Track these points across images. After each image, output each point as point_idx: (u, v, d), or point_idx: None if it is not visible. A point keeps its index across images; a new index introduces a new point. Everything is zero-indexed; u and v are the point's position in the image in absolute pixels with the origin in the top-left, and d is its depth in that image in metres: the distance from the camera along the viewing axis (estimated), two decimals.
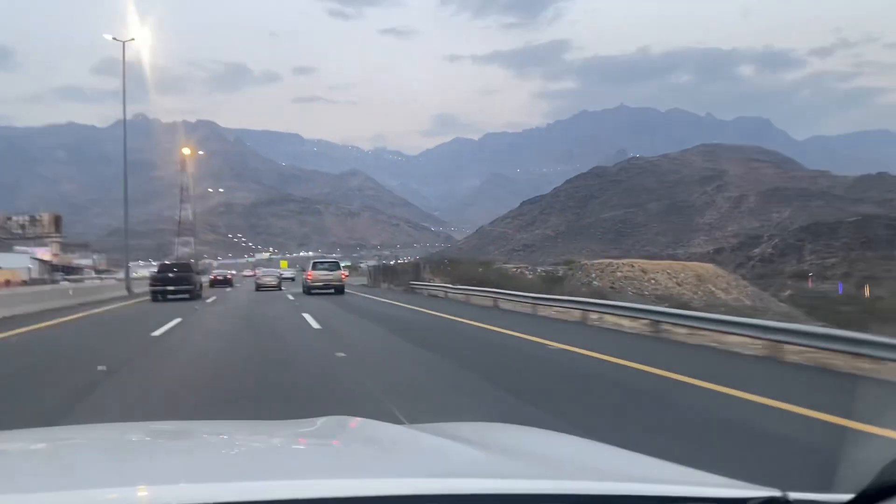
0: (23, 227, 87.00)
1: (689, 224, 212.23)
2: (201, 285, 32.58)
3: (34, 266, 78.93)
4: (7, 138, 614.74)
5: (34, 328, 15.56)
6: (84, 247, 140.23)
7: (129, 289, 33.01)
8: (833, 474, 3.38)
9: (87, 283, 51.23)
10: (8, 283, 54.50)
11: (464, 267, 35.40)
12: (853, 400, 6.50)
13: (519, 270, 35.20)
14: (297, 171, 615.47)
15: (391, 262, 67.90)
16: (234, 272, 65.75)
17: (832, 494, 1.27)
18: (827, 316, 29.94)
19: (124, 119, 30.79)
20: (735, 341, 10.95)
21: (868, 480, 1.26)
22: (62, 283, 51.54)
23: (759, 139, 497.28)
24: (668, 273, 38.17)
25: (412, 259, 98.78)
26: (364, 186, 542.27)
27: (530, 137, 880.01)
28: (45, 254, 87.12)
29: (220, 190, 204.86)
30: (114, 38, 32.11)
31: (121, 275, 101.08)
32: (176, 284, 27.73)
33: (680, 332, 12.58)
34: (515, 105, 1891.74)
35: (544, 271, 36.80)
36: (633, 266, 37.54)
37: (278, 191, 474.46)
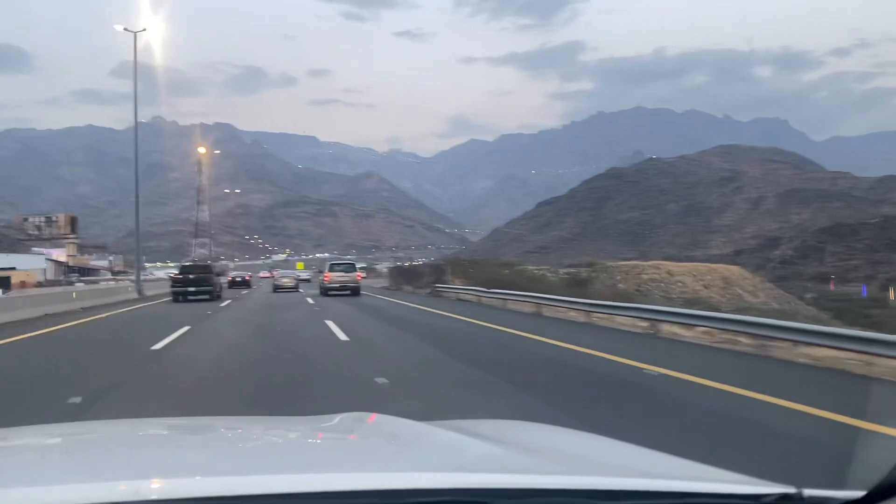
0: (39, 228, 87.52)
1: (707, 226, 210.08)
2: (221, 286, 32.94)
3: (49, 267, 79.27)
4: (26, 141, 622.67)
5: (15, 339, 13.54)
6: (102, 248, 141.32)
7: (140, 291, 31.87)
8: None
9: (101, 284, 50.76)
10: (23, 284, 54.44)
11: (487, 269, 33.64)
12: None
13: (541, 272, 34.53)
14: (313, 173, 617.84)
15: (412, 264, 65.42)
16: (250, 274, 65.55)
17: (845, 491, 1.26)
18: (856, 319, 29.09)
19: (135, 112, 30.21)
20: (827, 355, 9.46)
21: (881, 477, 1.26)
22: (76, 284, 51.62)
23: (777, 140, 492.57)
24: (694, 275, 37.14)
25: (433, 260, 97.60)
26: (379, 188, 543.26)
27: (545, 139, 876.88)
28: (60, 255, 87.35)
29: (237, 190, 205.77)
30: (125, 29, 31.33)
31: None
32: (196, 286, 28.30)
33: (751, 344, 10.94)
34: (530, 106, 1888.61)
35: (566, 273, 36.10)
36: (658, 268, 36.62)
37: (294, 193, 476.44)
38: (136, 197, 32.14)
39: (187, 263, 39.65)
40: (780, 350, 10.25)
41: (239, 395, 7.72)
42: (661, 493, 1.31)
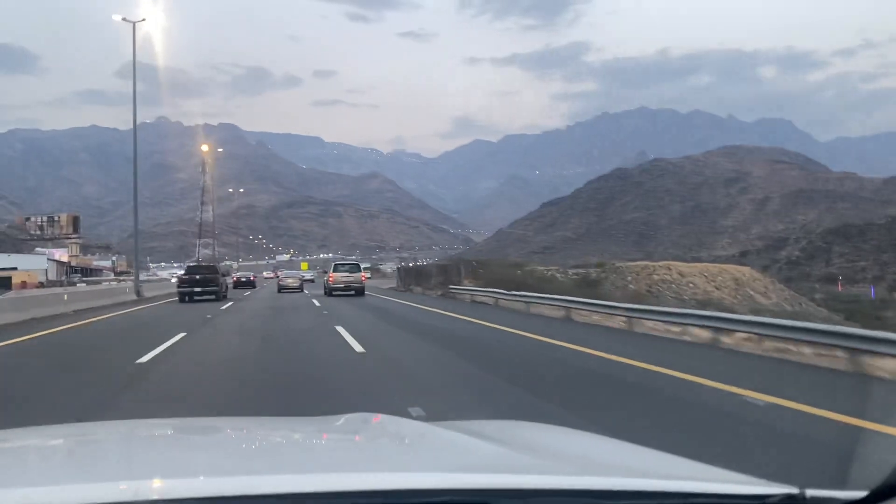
0: (41, 227, 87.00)
1: (713, 226, 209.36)
2: (226, 287, 33.09)
3: (51, 267, 78.74)
4: (31, 141, 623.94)
5: None
6: (106, 248, 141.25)
7: (138, 292, 30.62)
8: None
9: (103, 285, 50.00)
10: (24, 284, 53.69)
11: (497, 269, 32.31)
12: None
13: (550, 273, 34.05)
14: (318, 173, 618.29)
15: (421, 264, 63.95)
16: (255, 275, 65.53)
17: (847, 491, 1.26)
18: (869, 322, 28.59)
19: (134, 105, 28.92)
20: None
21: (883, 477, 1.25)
22: (78, 284, 51.22)
23: (782, 141, 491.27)
24: (705, 276, 36.44)
25: (439, 260, 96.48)
26: (383, 188, 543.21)
27: (549, 139, 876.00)
28: (62, 255, 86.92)
29: (241, 190, 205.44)
30: (123, 19, 30.42)
31: (141, 276, 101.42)
32: (202, 286, 28.72)
33: (808, 353, 9.81)
34: (535, 107, 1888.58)
35: (575, 274, 35.57)
36: (669, 269, 35.90)
37: (299, 193, 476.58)
38: (135, 196, 30.86)
39: (193, 264, 40.17)
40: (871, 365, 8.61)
41: None
42: (665, 493, 1.32)
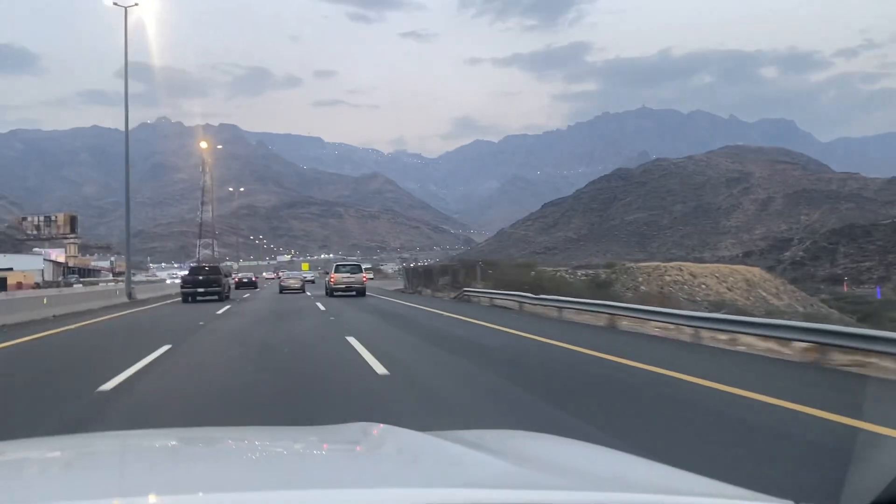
0: (38, 227, 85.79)
1: (716, 227, 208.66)
2: (229, 287, 33.46)
3: (47, 268, 77.68)
4: (32, 141, 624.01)
5: None
6: (106, 248, 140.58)
7: (130, 294, 29.14)
8: None
9: (100, 286, 48.58)
10: (20, 285, 52.85)
11: (508, 269, 31.06)
12: None
13: (558, 274, 33.31)
14: (319, 174, 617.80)
15: (429, 264, 62.25)
16: (256, 276, 65.35)
17: None
18: (883, 323, 27.81)
19: (125, 93, 27.91)
20: None
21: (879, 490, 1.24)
22: (75, 285, 50.47)
23: (784, 141, 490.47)
24: (716, 277, 35.83)
25: (449, 260, 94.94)
26: (384, 189, 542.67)
27: (550, 140, 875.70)
28: (59, 255, 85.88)
29: (241, 189, 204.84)
30: (114, 4, 29.26)
31: (139, 277, 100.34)
32: (206, 286, 28.91)
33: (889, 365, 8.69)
34: (536, 107, 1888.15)
35: (584, 275, 34.79)
36: (681, 269, 35.19)
37: (300, 193, 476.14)
38: (126, 193, 29.40)
39: (196, 265, 40.85)
40: None
41: None
42: None
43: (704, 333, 12.27)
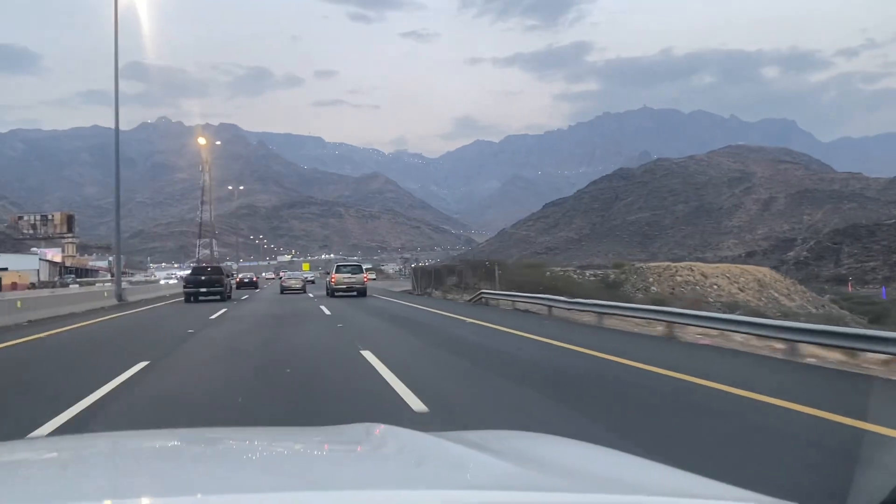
0: (34, 226, 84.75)
1: (718, 226, 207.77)
2: (231, 287, 33.47)
3: (43, 268, 76.51)
4: (33, 141, 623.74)
5: None
6: (106, 248, 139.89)
7: (120, 296, 27.59)
8: None
9: (97, 286, 47.62)
10: (14, 285, 52.13)
11: (521, 271, 28.95)
12: None
13: (566, 274, 32.60)
14: (319, 173, 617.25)
15: (426, 263, 60.45)
16: (257, 276, 65.25)
17: None
18: None
19: (116, 92, 27.25)
20: None
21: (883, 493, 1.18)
22: (71, 286, 49.81)
23: (785, 141, 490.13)
24: (727, 277, 35.17)
25: (457, 260, 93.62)
26: (384, 189, 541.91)
27: (551, 139, 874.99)
28: (55, 255, 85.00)
29: (241, 188, 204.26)
30: None
31: (138, 276, 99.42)
32: (208, 286, 28.87)
33: None
34: (536, 107, 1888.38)
35: (593, 275, 34.05)
36: (692, 270, 34.51)
37: (300, 193, 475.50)
38: (117, 192, 28.47)
39: (199, 265, 41.21)
40: None
41: None
42: None
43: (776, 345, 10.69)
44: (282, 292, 38.66)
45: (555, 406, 6.64)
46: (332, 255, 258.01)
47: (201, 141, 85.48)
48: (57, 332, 15.01)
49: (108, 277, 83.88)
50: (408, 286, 43.89)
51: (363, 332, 14.13)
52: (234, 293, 35.15)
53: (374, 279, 78.57)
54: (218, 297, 28.69)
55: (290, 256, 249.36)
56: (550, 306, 19.05)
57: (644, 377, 8.54)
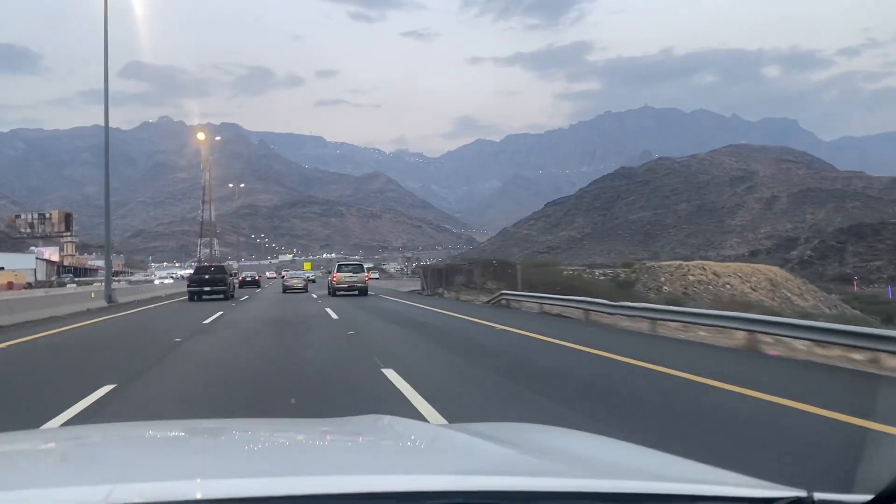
0: (31, 225, 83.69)
1: (720, 226, 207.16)
2: (234, 286, 33.67)
3: (40, 267, 75.38)
4: (34, 141, 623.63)
5: None
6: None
7: (110, 298, 25.74)
8: None
9: (94, 286, 46.37)
10: (10, 285, 51.25)
11: (534, 270, 27.15)
12: None
13: (577, 273, 32.04)
14: (320, 173, 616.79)
15: (444, 263, 57.95)
16: (259, 275, 65.42)
17: (853, 495, 1.28)
18: None
19: (105, 88, 26.38)
20: None
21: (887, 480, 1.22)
22: (68, 285, 49.06)
23: (786, 140, 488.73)
24: (739, 277, 34.62)
25: (465, 259, 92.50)
26: (386, 188, 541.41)
27: (552, 139, 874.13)
28: (52, 254, 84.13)
29: (242, 185, 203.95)
30: None
31: (137, 276, 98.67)
32: (211, 285, 29.04)
33: None
34: (537, 106, 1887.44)
35: (602, 275, 33.46)
36: (704, 269, 33.92)
37: (301, 193, 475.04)
38: (107, 190, 27.76)
39: (203, 264, 41.14)
40: None
41: None
42: (672, 496, 1.32)
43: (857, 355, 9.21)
44: (284, 291, 39.05)
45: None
46: (333, 255, 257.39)
47: (200, 136, 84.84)
48: (18, 343, 12.69)
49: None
50: (414, 286, 43.13)
51: (380, 343, 12.20)
52: (237, 292, 35.07)
53: (378, 279, 78.19)
54: (221, 295, 28.84)
55: (291, 256, 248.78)
56: (587, 310, 16.89)
57: (798, 420, 5.80)
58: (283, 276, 56.03)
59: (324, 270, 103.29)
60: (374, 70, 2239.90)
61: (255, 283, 52.88)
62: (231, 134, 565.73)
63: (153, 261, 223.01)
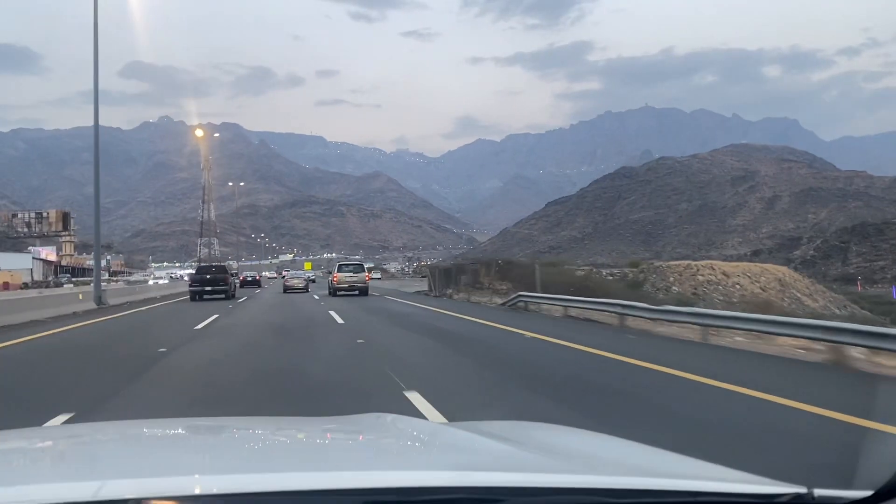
0: (28, 224, 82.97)
1: (722, 225, 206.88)
2: (235, 286, 34.08)
3: (36, 266, 74.71)
4: (34, 141, 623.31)
5: None
6: (107, 248, 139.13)
7: (100, 300, 24.35)
8: None
9: (91, 286, 45.33)
10: (6, 286, 50.73)
11: (545, 270, 24.58)
12: None
13: (586, 273, 31.59)
14: (321, 173, 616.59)
15: (451, 262, 56.01)
16: (260, 275, 65.74)
17: (853, 491, 1.27)
18: None
19: (95, 85, 25.72)
20: None
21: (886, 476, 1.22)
22: (66, 285, 48.62)
23: (787, 140, 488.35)
24: (748, 277, 34.20)
25: (463, 258, 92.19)
26: (386, 188, 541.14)
27: (553, 138, 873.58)
28: (49, 253, 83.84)
29: (241, 184, 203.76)
30: None
31: (135, 276, 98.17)
32: (213, 285, 29.37)
33: None
34: (538, 106, 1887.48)
35: (610, 275, 32.92)
36: (713, 269, 33.43)
37: (302, 193, 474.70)
38: (96, 190, 26.97)
39: (205, 264, 41.46)
40: None
41: None
42: (673, 492, 1.31)
43: None
44: (284, 291, 39.27)
45: None
46: (333, 255, 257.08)
47: (198, 133, 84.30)
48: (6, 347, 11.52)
49: (106, 276, 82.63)
50: (418, 286, 42.48)
51: (395, 354, 10.44)
52: (237, 292, 35.16)
53: (380, 279, 77.84)
54: (223, 295, 29.13)
55: (291, 255, 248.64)
56: (622, 314, 15.23)
57: None
58: (283, 276, 56.18)
59: (324, 270, 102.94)
60: (374, 70, 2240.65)
61: (255, 283, 53.57)
62: (231, 134, 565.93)
63: (153, 261, 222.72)
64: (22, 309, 18.03)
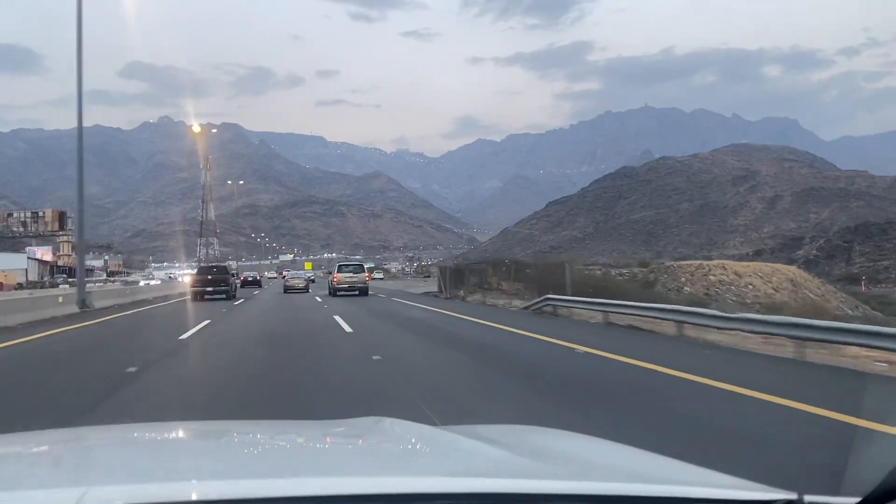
0: (24, 224, 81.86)
1: (723, 225, 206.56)
2: (236, 286, 34.34)
3: (32, 267, 73.92)
4: (35, 141, 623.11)
5: None
6: (107, 248, 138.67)
7: (84, 303, 22.19)
8: None
9: (93, 286, 44.28)
10: (0, 286, 50.37)
11: (555, 270, 23.11)
12: None
13: (603, 273, 31.19)
14: (321, 173, 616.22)
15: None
16: (260, 275, 65.67)
17: (843, 497, 1.29)
18: None
19: (79, 84, 24.79)
20: None
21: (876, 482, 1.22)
22: (62, 286, 48.00)
23: (787, 140, 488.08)
24: (760, 277, 33.84)
25: (482, 258, 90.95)
26: (386, 188, 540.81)
27: (553, 138, 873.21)
28: (44, 254, 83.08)
29: (241, 182, 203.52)
30: None
31: (133, 276, 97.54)
32: (214, 285, 29.68)
33: None
34: (538, 106, 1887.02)
35: (619, 275, 32.45)
36: (724, 269, 32.97)
37: (302, 193, 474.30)
38: (80, 181, 26.24)
39: (206, 265, 42.06)
40: None
41: None
42: (666, 497, 1.32)
43: None
44: (285, 291, 39.38)
45: None
46: (334, 255, 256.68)
47: (196, 129, 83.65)
48: None
49: (103, 277, 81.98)
50: (424, 287, 41.88)
51: (424, 379, 8.19)
52: (238, 292, 35.10)
53: (382, 279, 77.37)
54: (224, 295, 29.48)
55: (292, 256, 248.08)
56: (681, 322, 12.98)
57: None
58: (283, 276, 56.08)
59: (324, 270, 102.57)
60: (374, 70, 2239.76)
61: (256, 283, 53.80)
62: (231, 134, 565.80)
63: (153, 261, 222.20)
64: (5, 311, 16.40)
